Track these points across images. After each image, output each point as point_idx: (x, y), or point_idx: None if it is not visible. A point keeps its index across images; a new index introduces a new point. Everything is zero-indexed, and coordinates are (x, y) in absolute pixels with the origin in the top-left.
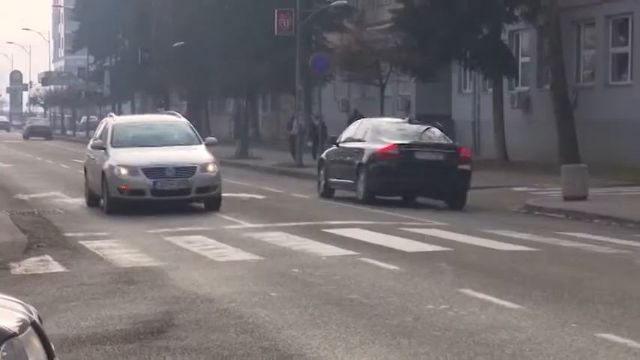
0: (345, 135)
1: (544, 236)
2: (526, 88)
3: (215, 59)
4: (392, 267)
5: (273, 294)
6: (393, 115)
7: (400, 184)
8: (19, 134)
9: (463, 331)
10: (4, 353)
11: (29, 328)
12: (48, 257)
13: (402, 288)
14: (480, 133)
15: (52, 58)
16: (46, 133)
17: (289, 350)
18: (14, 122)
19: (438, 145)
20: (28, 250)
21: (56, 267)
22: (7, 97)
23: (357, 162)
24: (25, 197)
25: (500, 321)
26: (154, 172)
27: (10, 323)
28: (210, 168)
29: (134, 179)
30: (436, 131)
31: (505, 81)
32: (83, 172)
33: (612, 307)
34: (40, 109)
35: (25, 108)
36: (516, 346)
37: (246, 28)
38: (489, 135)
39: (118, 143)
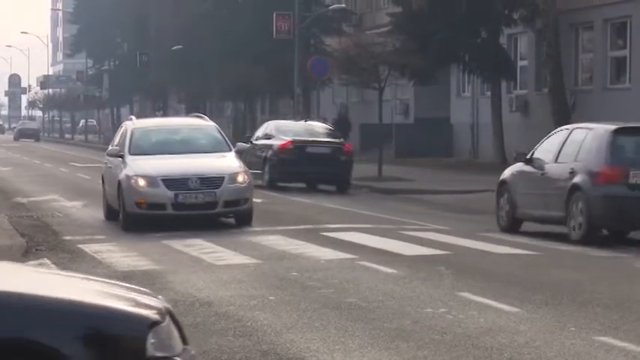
0: (256, 134)
1: (542, 240)
2: (524, 92)
3: (214, 62)
4: (390, 270)
5: (271, 297)
6: (392, 119)
7: (295, 173)
8: (11, 136)
9: (462, 335)
10: (152, 340)
11: (168, 317)
12: (47, 261)
13: (401, 291)
14: (479, 137)
15: (50, 61)
16: (34, 135)
17: (288, 354)
18: (13, 125)
19: (326, 142)
20: (27, 253)
21: (55, 270)
22: (5, 100)
23: (263, 156)
24: (24, 200)
25: (499, 324)
26: (175, 183)
27: (153, 312)
28: (240, 178)
29: (153, 191)
30: (322, 127)
31: (503, 84)
32: (101, 182)
33: (611, 311)
34: (39, 113)
35: (23, 111)
36: (515, 349)
37: (244, 32)
38: (488, 138)
39: (137, 150)
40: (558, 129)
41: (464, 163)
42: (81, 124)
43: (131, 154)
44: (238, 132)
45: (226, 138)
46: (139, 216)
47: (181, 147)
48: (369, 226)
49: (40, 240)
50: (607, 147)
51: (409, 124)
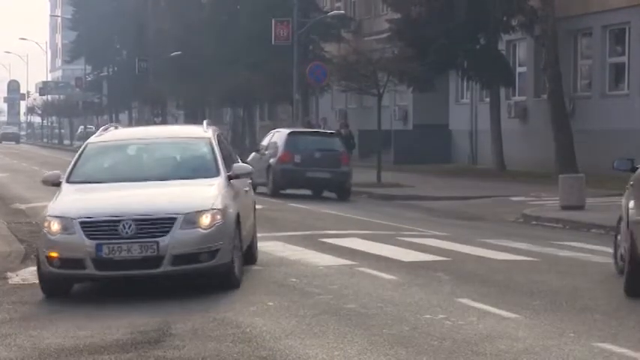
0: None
1: (541, 246)
2: (523, 98)
3: (212, 69)
4: (389, 277)
5: (270, 303)
6: (391, 126)
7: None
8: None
9: (461, 341)
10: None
11: None
12: None
13: (400, 298)
14: (477, 143)
15: (49, 67)
16: (15, 138)
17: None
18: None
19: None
20: (26, 259)
21: None
22: (4, 106)
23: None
24: (23, 207)
25: (498, 331)
26: (99, 228)
27: None
28: (206, 220)
29: (67, 240)
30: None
31: (502, 91)
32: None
33: (610, 317)
34: (38, 119)
35: (22, 117)
36: (514, 355)
37: (243, 38)
38: (487, 145)
39: (78, 176)
40: None
41: (463, 170)
42: (79, 131)
43: (69, 182)
44: (237, 138)
45: (219, 157)
46: (54, 276)
47: (145, 171)
48: (368, 232)
49: None
50: None
51: (408, 130)
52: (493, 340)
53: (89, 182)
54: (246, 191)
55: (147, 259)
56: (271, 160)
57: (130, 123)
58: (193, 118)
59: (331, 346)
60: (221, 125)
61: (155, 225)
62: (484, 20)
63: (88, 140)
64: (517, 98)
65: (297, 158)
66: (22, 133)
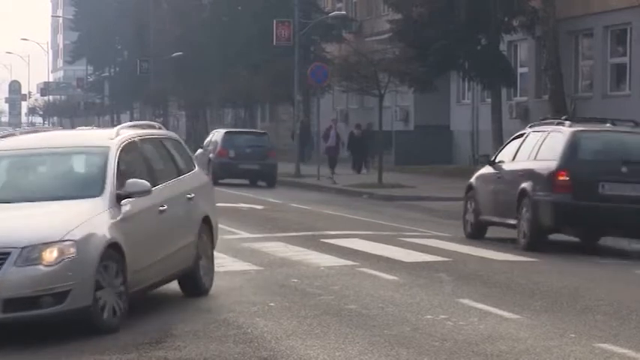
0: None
1: (542, 246)
2: (524, 99)
3: (214, 69)
4: (391, 277)
5: (271, 304)
6: (392, 126)
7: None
8: None
9: (462, 342)
10: None
11: None
12: None
13: (401, 298)
14: (479, 144)
15: (50, 68)
16: None
17: None
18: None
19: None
20: None
21: None
22: (5, 107)
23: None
24: None
25: (499, 331)
26: None
27: None
28: (50, 255)
29: None
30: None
31: (503, 91)
32: None
33: (611, 318)
34: (39, 119)
35: (24, 118)
36: (515, 356)
37: (244, 39)
38: (488, 145)
39: None
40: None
41: (464, 170)
42: None
43: None
44: None
45: (110, 172)
46: None
47: (6, 191)
48: (370, 232)
49: None
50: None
51: (409, 131)
52: (494, 340)
53: None
54: (184, 201)
55: None
56: (211, 155)
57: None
58: (195, 119)
59: (332, 346)
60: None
61: None
62: (485, 21)
63: None
64: (518, 99)
65: (232, 153)
66: None
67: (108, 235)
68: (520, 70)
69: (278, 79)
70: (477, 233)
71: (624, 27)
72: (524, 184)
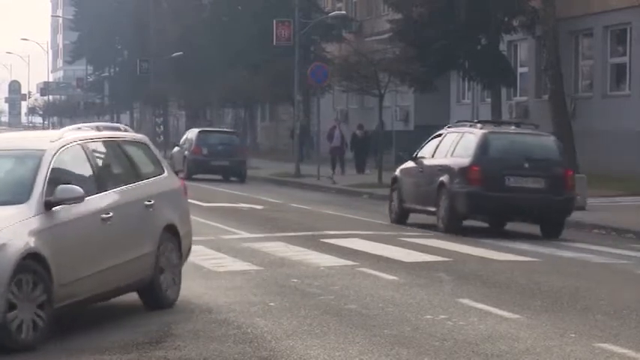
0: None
1: (543, 246)
2: (524, 98)
3: (214, 69)
4: (391, 277)
5: (271, 304)
6: (392, 126)
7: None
8: None
9: (462, 342)
10: None
11: None
12: None
13: (401, 298)
14: None
15: (50, 68)
16: None
17: None
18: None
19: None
20: None
21: None
22: (5, 107)
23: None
24: None
25: (499, 331)
26: None
27: None
28: None
29: None
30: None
31: (503, 91)
32: None
33: (611, 317)
34: (39, 119)
35: (23, 118)
36: (515, 356)
37: (244, 39)
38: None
39: None
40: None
41: None
42: None
43: None
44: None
45: (41, 177)
46: None
47: None
48: (370, 232)
49: None
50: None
51: (409, 130)
52: (494, 340)
53: None
54: (142, 208)
55: None
56: (186, 153)
57: (132, 123)
58: (195, 119)
59: (332, 346)
60: (223, 125)
61: None
62: (485, 21)
63: None
64: (518, 99)
65: (205, 151)
66: None
67: (28, 245)
68: (520, 69)
69: (278, 79)
70: (400, 219)
71: (624, 27)
72: (443, 178)
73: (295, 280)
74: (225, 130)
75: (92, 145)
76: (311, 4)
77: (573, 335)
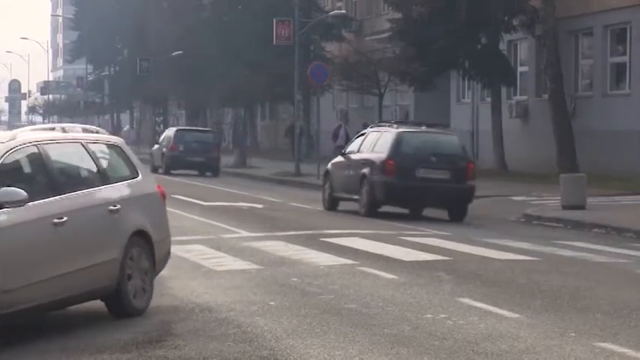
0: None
1: (543, 245)
2: (524, 98)
3: (213, 69)
4: (391, 276)
5: (271, 303)
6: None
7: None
8: None
9: (462, 341)
10: None
11: None
12: None
13: (401, 297)
14: (479, 143)
15: (50, 67)
16: None
17: (288, 359)
18: None
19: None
20: None
21: None
22: (5, 106)
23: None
24: None
25: (499, 330)
26: None
27: None
28: None
29: None
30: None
31: (503, 90)
32: None
33: (611, 317)
34: (39, 118)
35: (24, 117)
36: (515, 355)
37: (244, 38)
38: (488, 144)
39: None
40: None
41: None
42: None
43: None
44: (238, 138)
45: None
46: None
47: None
48: (370, 231)
49: None
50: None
51: None
52: (494, 339)
53: None
54: (108, 212)
55: None
56: (164, 150)
57: (132, 123)
58: (195, 118)
59: (332, 345)
60: (223, 125)
61: None
62: (485, 20)
63: None
64: (518, 98)
65: (181, 147)
66: None
67: None
68: (520, 69)
69: (278, 79)
70: (331, 206)
71: (624, 26)
72: (365, 170)
73: (295, 279)
74: (201, 128)
75: (50, 147)
76: (311, 3)
77: (573, 334)
